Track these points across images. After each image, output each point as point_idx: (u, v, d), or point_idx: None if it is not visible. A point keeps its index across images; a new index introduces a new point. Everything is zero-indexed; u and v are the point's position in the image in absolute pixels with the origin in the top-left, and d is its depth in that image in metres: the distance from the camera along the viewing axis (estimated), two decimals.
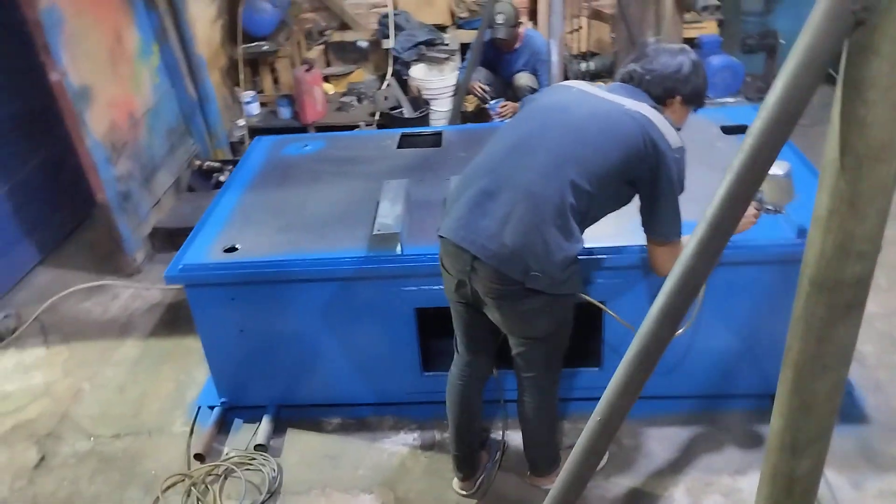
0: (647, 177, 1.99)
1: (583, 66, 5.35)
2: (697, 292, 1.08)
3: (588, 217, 2.05)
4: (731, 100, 4.66)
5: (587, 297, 2.18)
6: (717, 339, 2.67)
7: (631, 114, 1.99)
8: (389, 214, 2.67)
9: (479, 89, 5.07)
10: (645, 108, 2.01)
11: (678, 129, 2.05)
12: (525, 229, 1.93)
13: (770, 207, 2.23)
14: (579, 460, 1.30)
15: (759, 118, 0.93)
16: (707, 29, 5.73)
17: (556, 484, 1.39)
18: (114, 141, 3.88)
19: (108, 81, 3.88)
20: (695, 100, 2.14)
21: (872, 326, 3.14)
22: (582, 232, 2.04)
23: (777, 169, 2.16)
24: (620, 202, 2.12)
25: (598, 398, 2.78)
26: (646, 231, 2.11)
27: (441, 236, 2.11)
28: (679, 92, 2.09)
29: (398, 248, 2.59)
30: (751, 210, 2.22)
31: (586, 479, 1.33)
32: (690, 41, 5.18)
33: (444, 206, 2.32)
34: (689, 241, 1.04)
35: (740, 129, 3.24)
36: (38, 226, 4.15)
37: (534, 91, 5.12)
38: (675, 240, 2.07)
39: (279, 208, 2.94)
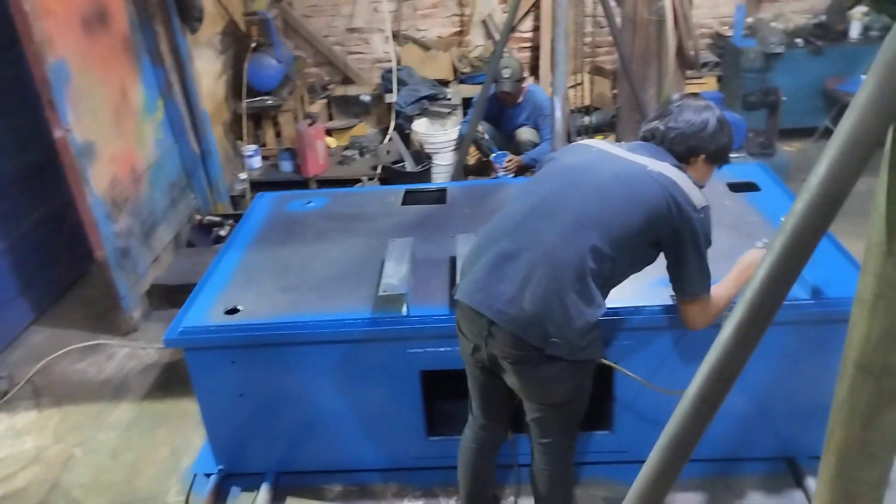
0: (671, 238, 1.95)
1: (584, 120, 5.37)
2: (735, 379, 1.01)
3: (611, 281, 2.00)
4: (733, 155, 4.65)
5: (605, 361, 2.11)
6: (731, 402, 2.56)
7: (654, 175, 1.95)
8: (395, 275, 2.61)
9: (482, 136, 5.09)
10: (667, 168, 1.97)
11: (701, 187, 2.02)
12: (544, 294, 1.87)
13: None
14: None
15: (801, 200, 0.88)
16: (707, 85, 5.80)
17: None
18: (115, 197, 3.84)
19: (111, 137, 3.87)
20: (719, 158, 2.10)
21: None
22: (605, 296, 1.98)
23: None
24: (644, 264, 2.07)
25: (609, 462, 2.73)
26: (675, 291, 2.07)
27: (457, 300, 2.05)
28: (703, 150, 2.06)
29: (404, 310, 2.52)
30: (760, 255, 2.18)
31: None
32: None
33: (458, 268, 2.28)
34: (726, 326, 0.98)
35: (748, 187, 3.22)
36: (34, 283, 4.08)
37: (535, 146, 5.14)
38: (705, 295, 2.03)
39: (282, 267, 2.89)
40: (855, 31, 5.48)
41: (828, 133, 5.42)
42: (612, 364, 2.19)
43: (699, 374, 1.03)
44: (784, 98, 4.58)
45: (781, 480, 2.66)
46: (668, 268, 2.04)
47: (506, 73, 4.87)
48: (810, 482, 2.59)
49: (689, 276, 2.00)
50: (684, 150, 2.05)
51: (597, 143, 2.20)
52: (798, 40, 5.53)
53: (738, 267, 2.22)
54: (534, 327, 1.88)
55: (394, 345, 2.54)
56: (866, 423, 0.97)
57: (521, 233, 1.98)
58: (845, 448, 1.01)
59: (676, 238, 1.94)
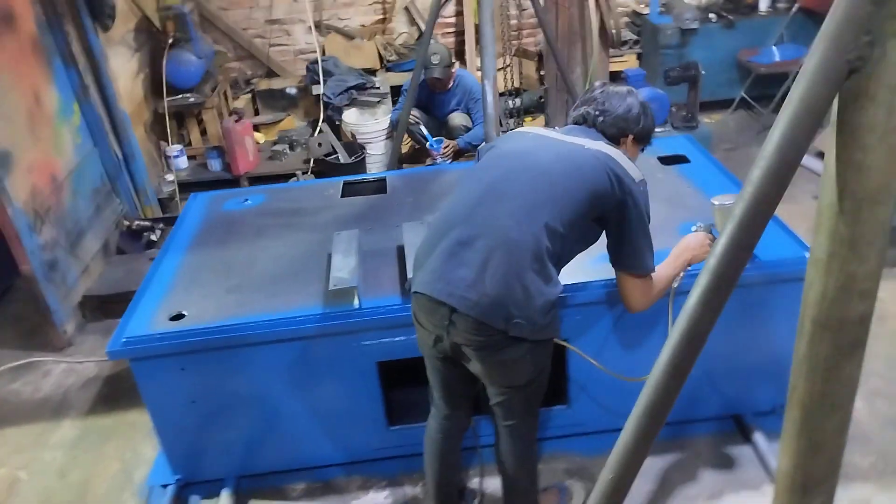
0: (614, 213, 2.01)
1: (511, 102, 5.43)
2: (703, 344, 1.06)
3: (562, 259, 2.05)
4: (659, 129, 4.80)
5: (561, 341, 2.16)
6: None
7: (593, 153, 2.02)
8: (344, 268, 2.59)
9: (415, 124, 5.08)
10: (603, 146, 2.05)
11: None
12: (504, 277, 1.90)
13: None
14: None
15: (757, 167, 0.92)
16: (628, 63, 5.94)
17: None
18: (36, 207, 3.66)
19: (27, 145, 3.68)
20: (644, 138, 2.22)
21: None
22: (557, 274, 2.03)
23: (729, 199, 2.22)
24: (589, 241, 2.13)
25: (567, 435, 2.80)
26: (618, 266, 2.11)
27: (415, 292, 2.05)
28: (630, 131, 2.15)
29: (356, 302, 2.51)
30: (706, 240, 2.26)
31: None
32: (616, 75, 5.35)
33: (410, 259, 2.29)
34: (692, 292, 1.03)
35: (678, 159, 3.33)
36: None
37: (467, 130, 5.18)
38: (649, 272, 2.08)
39: (225, 268, 2.82)
40: (764, 5, 5.72)
41: (744, 103, 5.67)
42: (570, 346, 2.24)
43: (669, 341, 1.07)
44: (703, 72, 4.74)
45: (730, 437, 2.79)
46: (610, 245, 2.09)
47: (435, 59, 4.87)
48: (758, 437, 2.73)
49: (634, 249, 2.05)
50: (615, 131, 2.14)
51: (533, 129, 2.26)
52: (711, 15, 5.73)
53: (675, 250, 2.28)
54: (496, 310, 1.90)
55: (348, 338, 2.53)
56: (826, 376, 1.03)
57: (473, 220, 2.00)
58: (808, 401, 1.07)
59: (620, 212, 2.00)
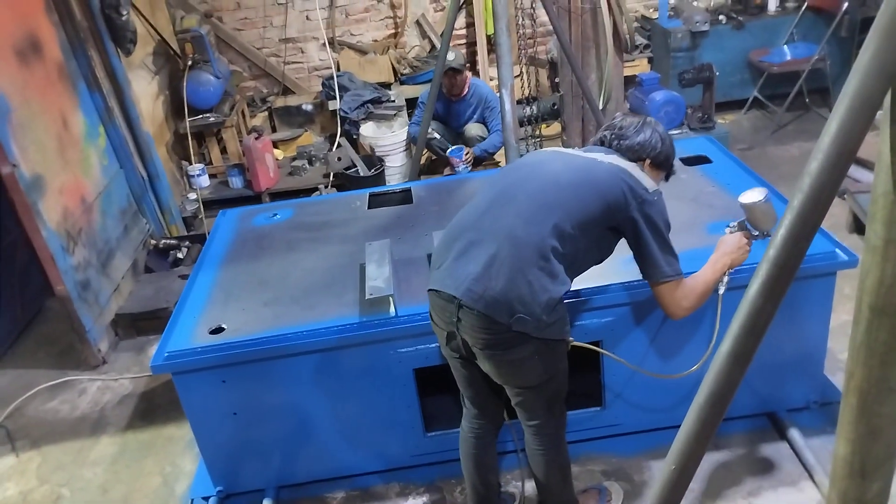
0: (629, 224, 2.05)
1: (527, 110, 5.47)
2: (764, 334, 1.09)
3: (575, 263, 2.09)
4: (676, 132, 4.84)
5: (579, 343, 2.17)
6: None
7: (605, 165, 2.10)
8: (378, 277, 2.63)
9: (434, 136, 5.13)
10: (618, 160, 2.12)
11: None
12: (509, 272, 1.96)
13: (757, 233, 2.30)
14: None
15: (815, 159, 0.96)
16: (640, 67, 5.99)
17: None
18: (68, 229, 3.73)
19: (58, 168, 3.75)
20: (664, 165, 2.26)
21: (847, 334, 3.21)
22: (571, 277, 2.07)
23: (757, 195, 2.23)
24: (603, 250, 2.17)
25: (602, 437, 2.82)
26: (645, 276, 2.15)
27: (430, 290, 2.13)
28: (647, 155, 2.21)
29: (392, 311, 2.55)
30: (743, 240, 2.28)
31: None
32: (631, 79, 5.39)
33: (429, 263, 2.33)
34: (752, 282, 1.06)
35: (700, 160, 3.36)
36: None
37: (483, 139, 5.22)
38: (677, 277, 2.10)
39: (260, 282, 2.87)
40: (772, 5, 5.76)
41: (757, 103, 5.69)
42: (587, 345, 2.24)
43: (730, 332, 1.10)
44: (717, 73, 4.77)
45: (765, 434, 2.80)
46: (635, 257, 2.13)
47: (451, 55, 4.92)
48: (793, 433, 2.73)
49: (653, 258, 2.07)
50: (632, 155, 2.20)
51: (552, 149, 2.34)
52: (721, 17, 5.77)
53: (714, 255, 2.27)
54: (500, 304, 1.96)
55: (385, 346, 2.57)
56: (885, 360, 1.05)
57: (482, 222, 2.08)
58: (866, 387, 1.09)
59: (634, 223, 2.04)
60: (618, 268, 2.46)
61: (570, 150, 2.24)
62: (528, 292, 1.95)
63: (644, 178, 2.08)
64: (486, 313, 1.96)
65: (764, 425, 2.84)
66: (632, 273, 2.50)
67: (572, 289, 2.11)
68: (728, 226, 2.35)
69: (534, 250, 1.97)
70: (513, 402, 2.21)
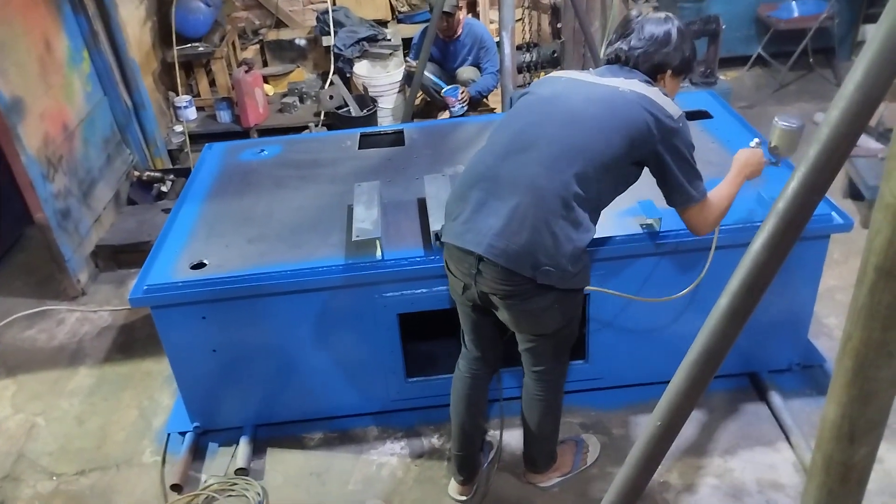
0: (655, 155, 1.95)
1: (526, 56, 5.34)
2: (765, 291, 1.04)
3: (599, 205, 2.02)
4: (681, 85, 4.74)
5: (592, 287, 2.14)
6: (694, 326, 2.69)
7: (626, 94, 1.95)
8: (366, 219, 2.57)
9: (428, 77, 4.99)
10: (638, 86, 1.97)
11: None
12: (533, 224, 1.88)
13: (773, 159, 2.25)
14: (638, 468, 1.25)
15: (835, 107, 0.89)
16: None
17: (611, 495, 1.34)
18: (49, 155, 3.62)
19: (39, 92, 3.62)
20: (685, 69, 2.10)
21: (833, 299, 3.23)
22: (595, 221, 2.00)
23: (794, 121, 2.18)
24: (629, 182, 2.08)
25: (583, 390, 2.81)
26: (671, 203, 2.06)
27: (445, 241, 2.05)
28: (669, 65, 2.05)
29: (378, 254, 2.50)
30: (759, 155, 2.22)
31: (642, 488, 1.28)
32: None
33: (439, 210, 2.27)
34: (757, 236, 1.00)
35: (701, 115, 3.28)
36: None
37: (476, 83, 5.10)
38: (703, 198, 2.03)
39: (245, 218, 2.80)
40: None
41: (760, 61, 5.57)
42: (597, 288, 2.23)
43: (728, 288, 1.05)
44: (724, 26, 4.64)
45: (745, 394, 2.81)
46: (659, 185, 2.04)
47: None
48: (773, 395, 2.74)
49: (681, 185, 1.99)
50: (650, 67, 2.04)
51: (566, 73, 2.19)
52: None
53: (734, 167, 2.19)
54: (524, 258, 1.89)
55: (370, 289, 2.53)
56: (887, 324, 1.01)
57: (501, 171, 1.98)
58: (864, 350, 1.05)
59: (659, 156, 1.95)
60: (613, 219, 2.44)
61: (586, 77, 2.08)
62: (553, 244, 1.89)
63: (667, 103, 1.95)
64: (509, 268, 1.90)
65: (745, 385, 2.85)
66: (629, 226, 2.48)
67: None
68: (753, 140, 2.31)
69: (557, 200, 1.89)
70: (521, 348, 2.19)
